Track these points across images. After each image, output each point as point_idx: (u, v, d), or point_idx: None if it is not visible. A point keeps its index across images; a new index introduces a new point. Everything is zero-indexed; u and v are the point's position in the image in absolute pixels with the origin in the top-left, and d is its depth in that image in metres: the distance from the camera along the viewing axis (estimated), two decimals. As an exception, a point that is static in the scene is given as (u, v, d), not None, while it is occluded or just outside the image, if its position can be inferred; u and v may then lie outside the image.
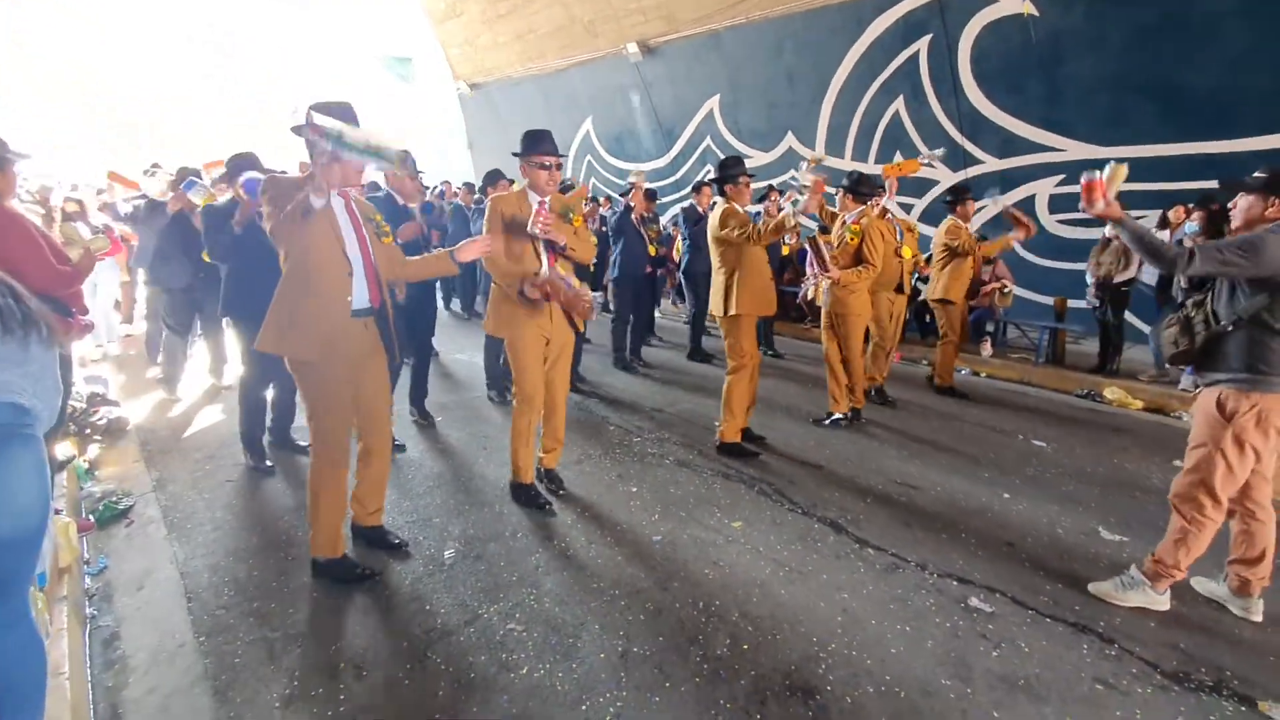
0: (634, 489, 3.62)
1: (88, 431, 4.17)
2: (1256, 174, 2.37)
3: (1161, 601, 2.54)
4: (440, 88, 14.65)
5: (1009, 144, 7.42)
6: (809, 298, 4.80)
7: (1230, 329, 2.31)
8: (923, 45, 7.66)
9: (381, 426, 2.83)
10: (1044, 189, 7.27)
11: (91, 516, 3.18)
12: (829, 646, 2.33)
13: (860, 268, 4.49)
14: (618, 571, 2.80)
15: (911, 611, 2.54)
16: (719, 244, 3.91)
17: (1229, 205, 2.44)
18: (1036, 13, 6.50)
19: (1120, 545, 3.07)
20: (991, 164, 7.57)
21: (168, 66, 16.91)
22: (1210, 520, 2.43)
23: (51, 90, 15.43)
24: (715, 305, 4.00)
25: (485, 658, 2.26)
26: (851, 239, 4.50)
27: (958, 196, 5.38)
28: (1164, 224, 5.97)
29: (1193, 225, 5.50)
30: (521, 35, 11.67)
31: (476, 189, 8.05)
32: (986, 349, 6.79)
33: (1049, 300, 7.04)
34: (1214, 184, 5.97)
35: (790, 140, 9.55)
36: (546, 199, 3.14)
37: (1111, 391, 5.56)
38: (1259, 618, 2.49)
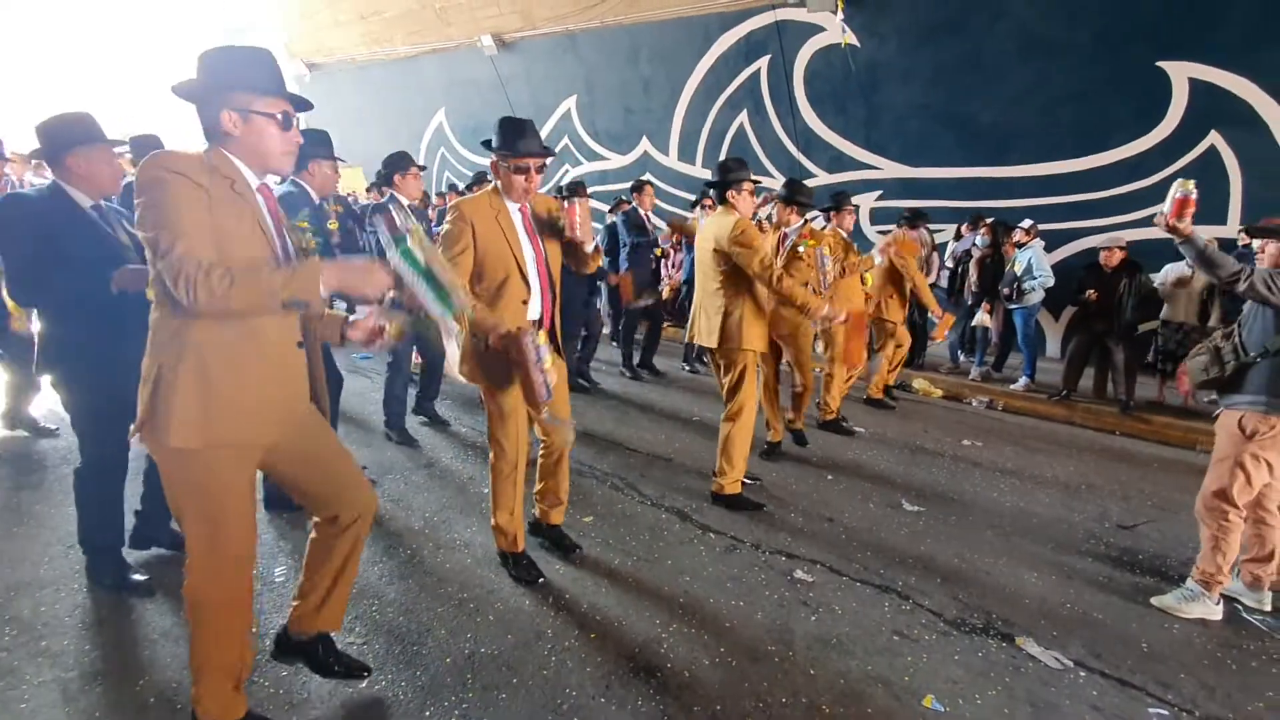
0: (484, 490, 3.58)
1: None
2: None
3: (1216, 611, 2.68)
4: (281, 64, 13.39)
5: (837, 161, 8.20)
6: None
7: (1258, 360, 2.53)
8: (763, 64, 8.23)
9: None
10: (866, 203, 8.11)
11: None
12: (670, 627, 2.48)
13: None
14: (466, 575, 2.78)
15: (745, 587, 2.77)
16: (722, 260, 3.24)
17: (1258, 249, 2.63)
18: (856, 43, 7.24)
19: (918, 515, 3.54)
20: (823, 178, 8.31)
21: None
22: (1234, 525, 2.62)
23: None
24: (708, 337, 3.33)
25: (321, 676, 2.15)
26: (805, 254, 4.07)
27: (839, 203, 4.81)
28: (958, 235, 6.93)
29: (983, 238, 6.45)
30: (365, 16, 10.98)
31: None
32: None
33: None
34: (993, 203, 7.06)
35: (646, 144, 9.84)
36: (576, 203, 2.50)
37: (919, 382, 6.35)
38: (1268, 608, 2.74)
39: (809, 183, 8.38)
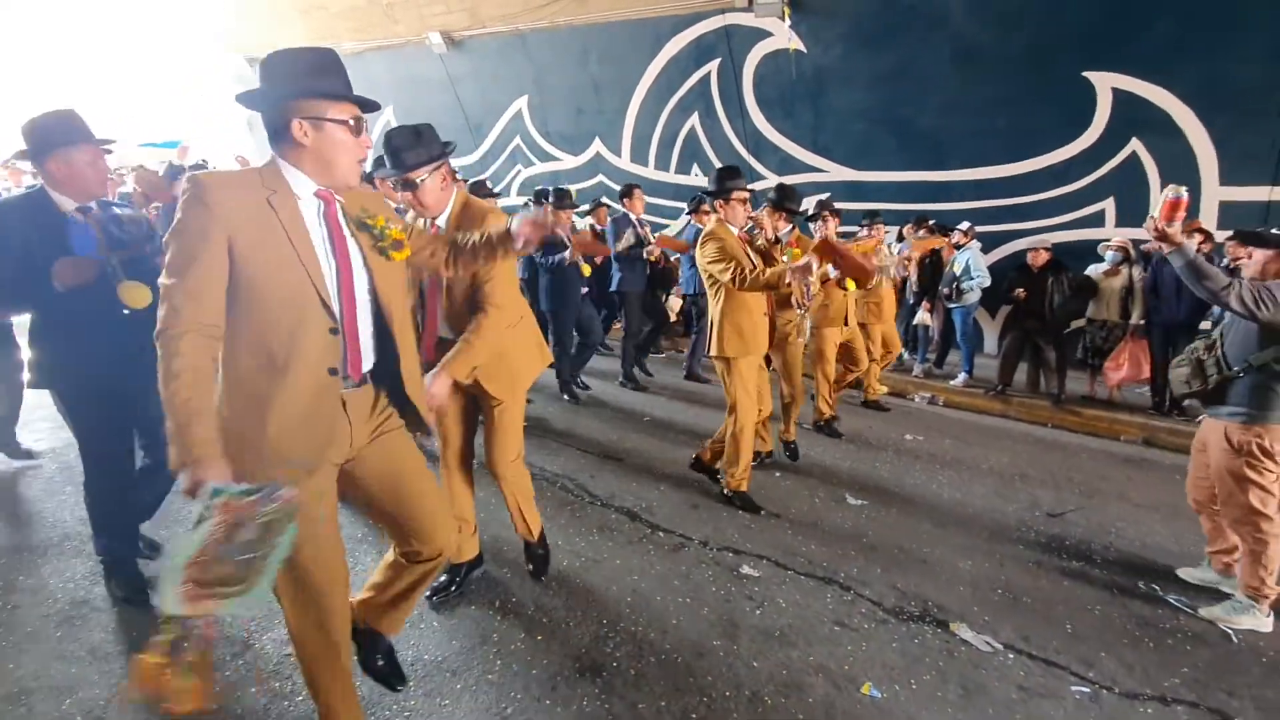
0: (434, 495, 3.54)
1: None
2: (1275, 230, 2.63)
3: (1266, 622, 2.64)
4: (219, 61, 12.87)
5: (786, 163, 8.35)
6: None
7: (1241, 374, 2.55)
8: (713, 68, 8.33)
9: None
10: (813, 204, 8.28)
11: None
12: (618, 625, 2.49)
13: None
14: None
15: (692, 584, 2.80)
16: (705, 272, 3.35)
17: (1242, 256, 2.63)
18: (803, 49, 7.39)
19: (861, 509, 3.64)
20: (773, 179, 8.46)
21: None
22: (1269, 534, 2.58)
23: None
24: (709, 343, 3.49)
25: (256, 689, 2.09)
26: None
27: (821, 211, 4.78)
28: (900, 237, 7.15)
29: (922, 235, 6.66)
30: (307, 11, 10.67)
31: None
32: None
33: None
34: (933, 206, 7.31)
35: (598, 145, 9.84)
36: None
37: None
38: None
39: (757, 186, 8.58)
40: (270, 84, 1.52)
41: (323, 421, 1.58)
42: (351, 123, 1.54)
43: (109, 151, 2.38)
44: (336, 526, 1.72)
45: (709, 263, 3.19)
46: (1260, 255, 2.58)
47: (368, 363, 1.67)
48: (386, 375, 1.73)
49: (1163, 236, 2.40)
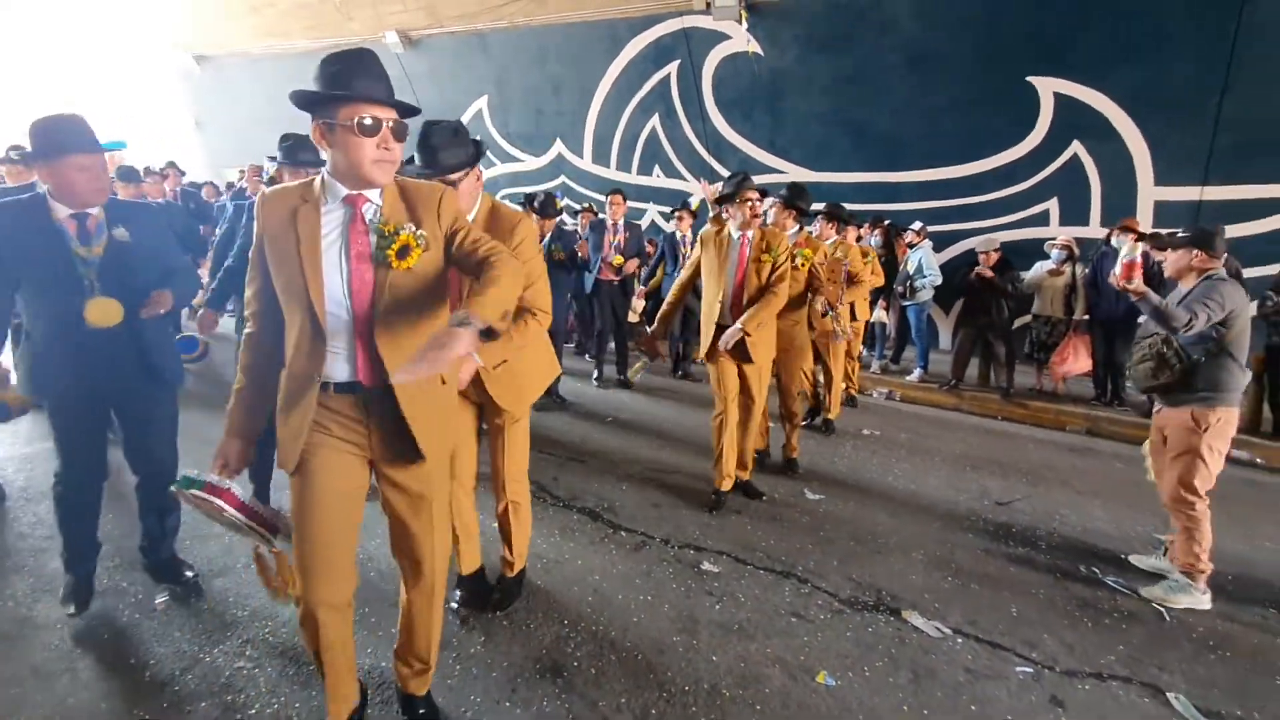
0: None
1: None
2: (1180, 233, 2.88)
3: (1204, 600, 2.80)
4: (165, 59, 12.43)
5: (746, 164, 8.44)
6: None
7: (1203, 360, 2.74)
8: (673, 69, 8.39)
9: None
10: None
11: None
12: (579, 626, 2.50)
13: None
14: (368, 589, 2.68)
15: (653, 582, 2.83)
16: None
17: (1161, 261, 2.85)
18: (760, 52, 7.50)
19: (819, 502, 3.72)
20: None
21: None
22: (1202, 513, 2.80)
23: None
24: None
25: (207, 703, 2.05)
26: (803, 264, 3.89)
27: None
28: (858, 238, 7.30)
29: (875, 239, 6.83)
30: (258, 8, 10.40)
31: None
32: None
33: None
34: (887, 206, 7.49)
35: (559, 146, 9.81)
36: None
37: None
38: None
39: (717, 185, 8.67)
40: (311, 88, 1.54)
41: (299, 419, 1.62)
42: (357, 125, 1.49)
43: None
44: (351, 508, 1.74)
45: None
46: (1173, 256, 2.87)
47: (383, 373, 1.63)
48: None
49: (1134, 291, 2.69)
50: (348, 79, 1.51)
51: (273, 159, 3.20)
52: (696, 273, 3.61)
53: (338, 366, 1.61)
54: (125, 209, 2.38)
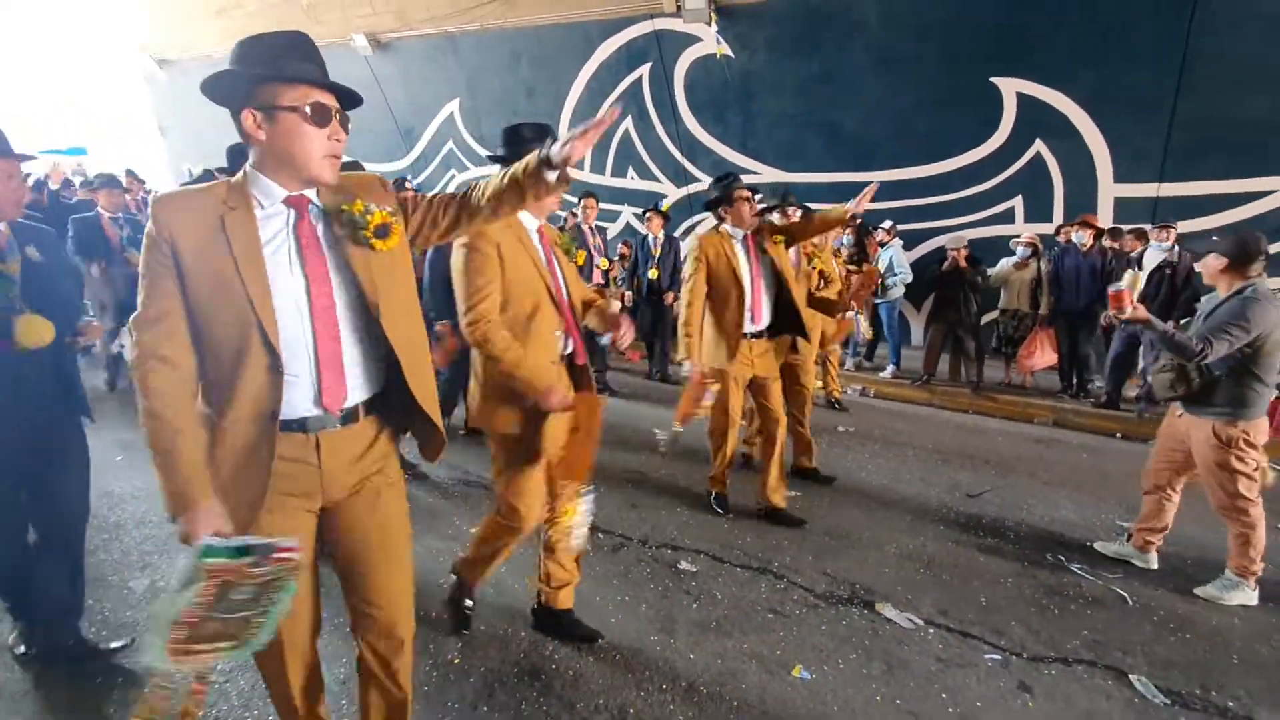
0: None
1: None
2: (1215, 237, 2.91)
3: (1253, 596, 2.84)
4: (127, 63, 12.16)
5: (719, 166, 8.50)
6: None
7: (1224, 376, 2.73)
8: (645, 72, 8.42)
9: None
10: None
11: None
12: (556, 628, 2.50)
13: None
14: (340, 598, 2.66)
15: (631, 583, 2.85)
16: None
17: (1197, 265, 2.83)
18: (730, 54, 7.57)
19: (795, 499, 3.76)
20: (707, 183, 8.62)
21: None
22: (1257, 518, 2.79)
23: None
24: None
25: (176, 720, 2.01)
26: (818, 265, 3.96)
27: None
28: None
29: (847, 238, 6.92)
30: (224, 10, 10.23)
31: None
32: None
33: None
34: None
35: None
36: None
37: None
38: (1155, 566, 3.08)
39: (694, 188, 8.72)
40: (228, 72, 1.31)
41: (256, 475, 1.35)
42: (309, 109, 1.29)
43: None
44: (309, 574, 1.53)
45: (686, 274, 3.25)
46: (1208, 261, 2.81)
47: (358, 393, 1.44)
48: (393, 401, 1.51)
49: (1131, 319, 2.66)
50: (286, 61, 1.31)
51: (213, 171, 3.01)
52: (708, 287, 3.28)
53: (296, 396, 1.36)
54: (30, 231, 2.16)
